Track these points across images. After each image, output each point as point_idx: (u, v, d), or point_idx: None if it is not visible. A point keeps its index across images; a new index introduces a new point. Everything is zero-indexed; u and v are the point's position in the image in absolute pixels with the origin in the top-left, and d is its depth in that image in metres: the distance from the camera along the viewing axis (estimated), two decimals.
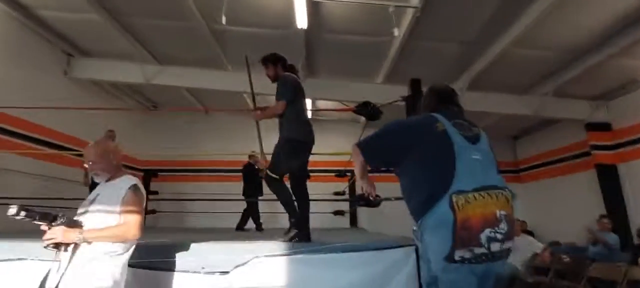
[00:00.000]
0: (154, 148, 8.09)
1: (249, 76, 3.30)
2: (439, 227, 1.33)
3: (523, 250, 4.83)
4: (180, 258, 2.30)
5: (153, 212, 7.56)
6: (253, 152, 6.09)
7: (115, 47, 5.55)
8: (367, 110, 2.77)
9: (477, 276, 1.33)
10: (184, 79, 6.21)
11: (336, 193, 7.36)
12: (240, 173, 6.25)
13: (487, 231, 1.28)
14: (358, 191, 1.67)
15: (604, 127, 6.43)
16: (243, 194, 6.03)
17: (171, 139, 8.19)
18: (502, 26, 4.64)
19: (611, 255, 5.30)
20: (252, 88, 3.25)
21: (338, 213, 7.74)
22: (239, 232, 5.72)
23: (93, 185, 4.89)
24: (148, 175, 7.59)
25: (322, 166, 7.63)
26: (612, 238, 5.50)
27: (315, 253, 2.30)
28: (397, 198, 1.89)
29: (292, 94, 2.82)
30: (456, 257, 1.29)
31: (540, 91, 6.26)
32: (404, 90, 6.65)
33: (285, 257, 2.30)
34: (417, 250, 2.37)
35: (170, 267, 2.27)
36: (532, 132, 8.56)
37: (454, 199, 1.30)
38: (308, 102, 7.17)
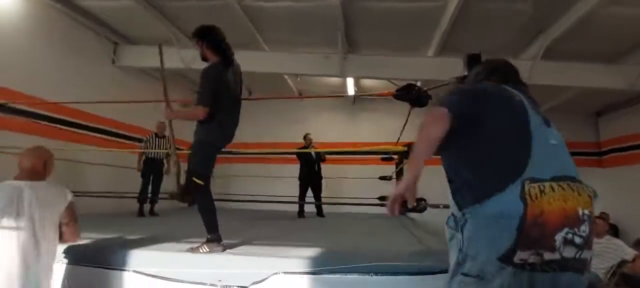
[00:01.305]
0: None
1: (161, 64, 2.80)
2: (498, 218, 1.04)
3: (608, 256, 4.03)
4: (197, 269, 2.12)
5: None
6: (307, 134, 6.02)
7: (154, 32, 5.55)
8: (411, 95, 2.26)
9: (534, 282, 1.02)
10: None
11: (382, 178, 6.89)
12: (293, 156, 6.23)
13: (564, 231, 1.01)
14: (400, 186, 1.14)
15: None
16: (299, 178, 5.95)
17: None
18: None
19: None
20: (163, 78, 2.78)
21: (382, 198, 7.29)
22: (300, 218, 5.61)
23: (149, 172, 5.27)
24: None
25: (366, 147, 7.22)
26: None
27: (341, 273, 1.96)
28: (446, 206, 1.40)
29: (210, 96, 2.36)
30: (516, 260, 1.01)
31: (637, 59, 5.01)
32: (461, 64, 5.89)
33: (307, 275, 2.00)
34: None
35: (184, 279, 2.10)
36: (620, 108, 7.10)
37: (528, 189, 1.03)
38: (350, 82, 6.69)
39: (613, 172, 7.40)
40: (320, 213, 5.97)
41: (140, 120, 6.25)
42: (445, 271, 1.93)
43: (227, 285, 2.06)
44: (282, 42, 5.88)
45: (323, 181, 6.15)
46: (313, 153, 5.95)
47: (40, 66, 4.68)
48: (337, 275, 1.96)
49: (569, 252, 1.02)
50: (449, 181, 1.25)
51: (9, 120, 4.20)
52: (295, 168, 6.06)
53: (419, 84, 7.04)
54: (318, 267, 2.00)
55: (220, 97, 2.41)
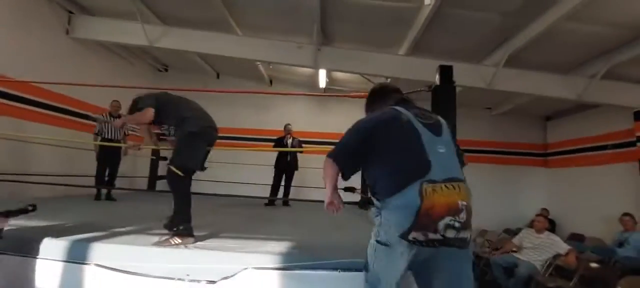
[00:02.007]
0: None
1: None
2: (402, 208, 1.42)
3: (545, 250, 4.48)
4: (164, 263, 2.07)
5: (162, 177, 7.53)
6: (288, 124, 5.96)
7: (116, 4, 5.17)
8: None
9: (421, 256, 1.43)
10: (191, 43, 5.77)
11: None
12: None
13: (447, 219, 1.39)
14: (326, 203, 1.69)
15: None
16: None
17: None
18: None
19: None
20: None
21: (348, 190, 7.47)
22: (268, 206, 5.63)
23: (105, 154, 4.95)
24: (156, 138, 7.42)
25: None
26: (636, 239, 5.06)
27: (310, 269, 2.02)
28: None
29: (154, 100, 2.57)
30: (410, 237, 1.41)
31: (586, 72, 5.49)
32: (430, 65, 6.07)
33: (277, 271, 2.03)
34: None
35: (150, 273, 2.05)
36: (567, 115, 7.78)
37: (424, 187, 1.40)
38: (322, 74, 6.69)
39: (556, 173, 8.15)
40: (286, 202, 6.01)
41: (96, 97, 5.79)
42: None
43: (195, 280, 2.04)
44: (255, 27, 5.72)
45: (297, 172, 6.22)
46: (289, 143, 5.93)
47: None
48: (306, 271, 2.01)
49: (450, 233, 1.40)
50: (371, 188, 1.61)
51: None
52: (264, 155, 6.07)
53: (389, 81, 7.26)
54: (288, 263, 2.03)
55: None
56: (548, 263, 4.42)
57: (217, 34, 5.70)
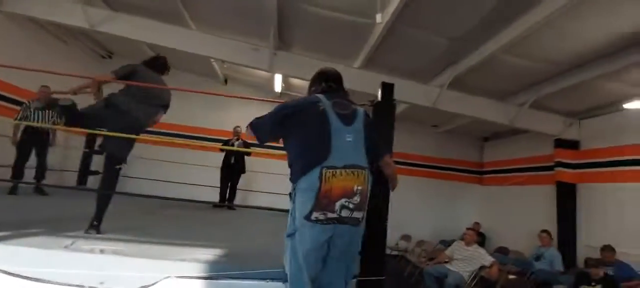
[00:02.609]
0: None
1: None
2: (306, 191, 1.61)
3: (472, 261, 4.83)
4: (75, 270, 1.90)
5: (96, 173, 6.92)
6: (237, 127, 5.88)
7: None
8: None
9: (325, 234, 1.62)
10: (138, 32, 5.40)
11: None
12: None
13: (342, 200, 1.60)
14: None
15: (572, 144, 6.40)
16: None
17: None
18: (494, 29, 4.28)
19: (553, 273, 5.46)
20: None
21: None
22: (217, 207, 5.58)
23: (24, 141, 4.42)
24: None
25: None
26: (551, 254, 5.66)
27: (237, 279, 1.97)
28: None
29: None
30: (312, 217, 1.59)
31: (517, 100, 6.08)
32: (382, 79, 6.29)
33: (202, 280, 1.95)
34: (358, 285, 2.12)
35: (59, 280, 1.86)
36: (502, 137, 8.54)
37: (324, 172, 1.59)
38: (278, 78, 6.66)
39: (490, 190, 8.88)
40: (230, 206, 5.88)
41: (21, 79, 5.22)
42: None
43: None
44: (211, 24, 5.54)
45: (244, 175, 6.13)
46: (236, 145, 5.85)
47: None
48: (233, 281, 1.96)
49: (345, 213, 1.62)
50: (289, 169, 1.76)
51: None
52: (216, 157, 5.91)
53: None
54: (214, 272, 1.97)
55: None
56: (474, 274, 4.77)
57: (169, 26, 5.43)
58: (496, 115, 6.28)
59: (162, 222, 3.67)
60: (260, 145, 1.94)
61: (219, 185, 6.01)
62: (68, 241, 2.13)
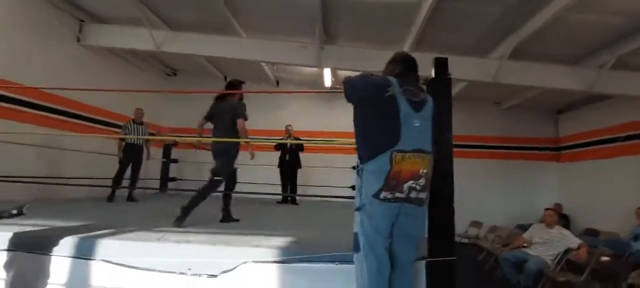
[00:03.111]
0: (174, 116, 8.08)
1: None
2: (376, 172, 1.71)
3: (556, 244, 4.39)
4: (167, 258, 2.14)
5: (173, 179, 7.71)
6: (288, 125, 6.16)
7: (124, 11, 5.31)
8: None
9: (392, 211, 1.73)
10: (196, 46, 5.89)
11: (355, 168, 7.06)
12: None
13: (410, 182, 1.71)
14: None
15: None
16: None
17: (190, 105, 8.09)
18: None
19: None
20: None
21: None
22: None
23: (129, 158, 5.15)
24: (167, 144, 7.62)
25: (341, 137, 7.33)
26: None
27: (308, 263, 2.05)
28: None
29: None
30: (381, 196, 1.71)
31: (594, 62, 5.36)
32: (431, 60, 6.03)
33: (275, 264, 2.07)
34: (427, 266, 2.07)
35: (154, 267, 2.12)
36: (578, 107, 7.59)
37: (394, 156, 1.69)
38: (327, 73, 6.72)
39: (569, 167, 7.96)
40: (293, 201, 6.10)
41: (114, 104, 6.15)
42: None
43: (196, 274, 2.10)
44: (259, 29, 5.80)
45: (301, 170, 6.33)
46: (289, 144, 6.08)
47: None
48: (304, 264, 2.05)
49: (412, 194, 1.73)
50: (356, 143, 1.87)
51: None
52: (273, 156, 6.20)
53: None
54: (286, 256, 2.08)
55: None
56: (559, 257, 4.33)
57: (222, 37, 5.81)
58: (570, 82, 5.60)
59: (235, 215, 3.92)
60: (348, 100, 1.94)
61: (279, 183, 6.28)
62: (159, 235, 2.41)
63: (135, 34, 5.66)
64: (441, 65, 2.27)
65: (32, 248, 2.19)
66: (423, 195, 1.78)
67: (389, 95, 1.77)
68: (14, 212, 1.71)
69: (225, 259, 2.09)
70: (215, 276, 2.08)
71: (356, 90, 1.90)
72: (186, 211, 2.97)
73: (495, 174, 8.23)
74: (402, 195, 1.71)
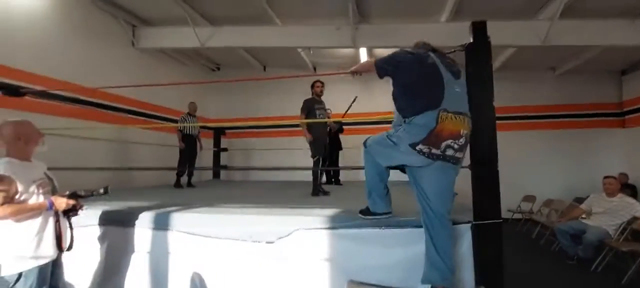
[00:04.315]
0: (221, 107, 8.58)
1: None
2: (421, 126, 1.87)
3: (618, 213, 4.13)
4: (231, 227, 2.41)
5: (225, 167, 8.28)
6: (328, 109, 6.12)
7: (170, 13, 5.71)
8: None
9: (421, 163, 1.90)
10: (237, 39, 6.16)
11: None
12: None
13: (449, 141, 1.85)
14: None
15: None
16: None
17: (232, 98, 8.55)
18: None
19: None
20: None
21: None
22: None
23: (187, 148, 5.68)
24: (217, 134, 8.15)
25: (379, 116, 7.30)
26: None
27: (356, 228, 2.20)
28: None
29: None
30: (417, 148, 1.88)
31: None
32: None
33: (325, 230, 2.24)
34: (473, 228, 2.11)
35: (220, 236, 2.40)
36: None
37: (441, 114, 1.85)
38: (363, 52, 6.70)
39: (635, 132, 7.22)
40: (337, 182, 6.27)
41: (166, 101, 6.82)
42: (454, 223, 2.16)
43: (256, 241, 2.35)
44: (294, 15, 5.92)
45: (342, 152, 6.48)
46: (328, 127, 6.19)
47: (66, 53, 4.93)
48: (352, 230, 2.20)
49: (449, 152, 1.87)
50: (396, 101, 2.06)
51: (52, 105, 4.59)
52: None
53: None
54: (335, 224, 2.25)
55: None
56: (622, 227, 4.06)
57: (260, 27, 6.03)
58: (634, 37, 5.06)
59: (284, 194, 4.22)
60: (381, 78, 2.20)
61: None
62: (221, 209, 2.70)
63: (181, 33, 6.07)
64: (479, 29, 2.24)
65: (119, 223, 2.58)
66: (460, 154, 1.91)
67: (432, 63, 1.96)
68: (101, 191, 2.04)
69: (281, 227, 2.31)
70: (272, 242, 2.31)
71: (393, 60, 2.07)
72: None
73: (550, 145, 7.72)
74: (438, 152, 1.85)
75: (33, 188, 1.87)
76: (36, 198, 1.87)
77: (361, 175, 2.45)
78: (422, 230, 2.01)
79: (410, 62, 2.00)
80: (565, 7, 4.66)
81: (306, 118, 4.30)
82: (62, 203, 1.89)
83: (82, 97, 5.11)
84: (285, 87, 8.00)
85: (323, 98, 4.63)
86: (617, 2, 4.75)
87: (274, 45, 6.11)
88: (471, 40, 2.28)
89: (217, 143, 8.06)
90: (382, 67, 2.13)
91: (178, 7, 5.39)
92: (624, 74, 7.52)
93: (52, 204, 1.88)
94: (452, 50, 2.42)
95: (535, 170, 7.45)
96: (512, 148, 6.26)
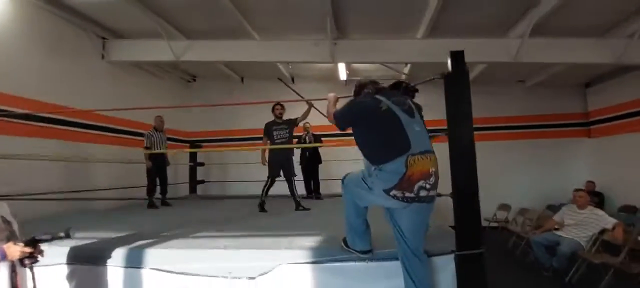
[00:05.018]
0: (196, 121, 8.35)
1: None
2: (392, 173, 1.87)
3: (589, 225, 4.29)
4: (209, 263, 2.29)
5: (201, 182, 8.02)
6: (306, 123, 6.12)
7: (142, 25, 5.49)
8: (401, 91, 2.36)
9: (397, 206, 1.94)
10: (213, 53, 6.04)
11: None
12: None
13: (421, 182, 1.86)
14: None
15: None
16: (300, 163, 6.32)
17: (211, 110, 8.33)
18: None
19: None
20: None
21: None
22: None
23: (155, 166, 5.34)
24: (193, 147, 7.91)
25: None
26: None
27: (340, 262, 2.14)
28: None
29: None
30: (390, 193, 1.90)
31: (623, 32, 5.10)
32: (449, 45, 5.89)
33: (309, 265, 2.17)
34: (456, 259, 2.11)
35: (198, 273, 2.28)
36: (609, 79, 7.22)
37: (409, 159, 1.85)
38: (341, 67, 6.73)
39: (600, 142, 7.64)
40: (317, 196, 6.24)
41: (138, 114, 6.33)
42: (434, 255, 2.15)
43: (236, 277, 2.24)
44: (271, 30, 5.85)
45: (322, 165, 6.46)
46: (307, 140, 6.19)
47: (31, 67, 4.64)
48: (336, 264, 2.14)
49: (422, 193, 1.88)
50: (362, 150, 2.06)
51: (8, 125, 4.25)
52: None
53: (406, 70, 7.15)
54: (318, 257, 2.18)
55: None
56: (593, 239, 4.23)
57: (236, 42, 5.92)
58: (598, 55, 5.37)
59: (263, 215, 4.08)
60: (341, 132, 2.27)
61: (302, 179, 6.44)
62: (198, 241, 2.57)
63: (155, 47, 5.86)
64: (458, 57, 2.26)
65: (88, 261, 2.39)
66: (433, 192, 1.94)
67: (385, 109, 1.97)
68: (62, 234, 1.88)
69: (262, 263, 2.22)
70: (253, 278, 2.21)
71: (349, 115, 2.11)
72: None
73: (523, 155, 8.04)
74: (412, 195, 1.86)
75: None
76: None
77: (338, 187, 2.46)
78: None
79: (366, 114, 2.02)
80: (535, 26, 4.87)
81: (266, 140, 4.80)
82: (15, 252, 1.71)
83: (46, 115, 4.79)
84: (263, 96, 7.86)
85: (293, 112, 4.96)
86: (582, 21, 5.01)
87: (251, 59, 6.03)
88: (449, 69, 2.29)
89: (193, 157, 7.82)
90: (341, 122, 2.16)
91: (150, 20, 5.19)
92: (588, 86, 7.96)
93: (4, 255, 1.70)
94: (431, 78, 2.43)
95: (509, 180, 7.71)
96: (486, 158, 6.37)
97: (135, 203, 5.50)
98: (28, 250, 1.75)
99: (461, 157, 2.16)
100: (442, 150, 2.14)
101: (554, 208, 6.88)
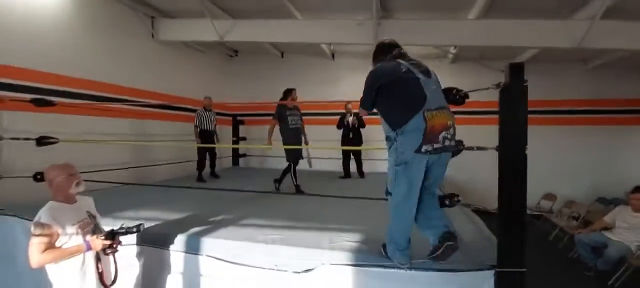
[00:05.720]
0: (239, 95, 8.59)
1: None
2: (415, 130, 1.96)
3: None
4: (257, 255, 2.51)
5: (244, 155, 8.46)
6: (348, 102, 6.18)
7: (188, 5, 5.63)
8: (450, 98, 2.30)
9: (431, 161, 2.03)
10: (255, 33, 6.07)
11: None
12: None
13: (444, 133, 1.99)
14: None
15: None
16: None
17: (254, 84, 8.50)
18: None
19: None
20: None
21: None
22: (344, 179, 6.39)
23: (204, 143, 5.81)
24: (235, 121, 8.23)
25: None
26: None
27: (379, 268, 2.25)
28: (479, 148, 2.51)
29: None
30: (422, 150, 1.97)
31: None
32: (505, 27, 5.47)
33: (349, 267, 2.31)
34: (496, 275, 2.13)
35: (248, 263, 2.51)
36: None
37: (426, 114, 1.97)
38: None
39: None
40: (360, 175, 6.47)
41: (187, 91, 6.93)
42: (473, 270, 2.18)
43: (282, 270, 2.44)
44: (314, 9, 5.75)
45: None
46: (350, 120, 6.18)
47: (86, 49, 4.93)
48: (376, 269, 2.25)
49: (447, 142, 2.01)
50: (383, 120, 2.16)
51: (79, 106, 4.69)
52: (328, 130, 6.56)
53: (454, 49, 6.71)
54: (359, 261, 2.30)
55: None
56: None
57: (278, 21, 5.89)
58: None
59: (309, 203, 4.12)
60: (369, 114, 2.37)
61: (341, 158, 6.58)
62: (248, 232, 2.80)
63: (200, 26, 6.00)
64: (516, 70, 2.14)
65: (154, 244, 2.72)
66: (453, 142, 2.08)
67: (405, 70, 2.10)
68: (134, 229, 2.15)
69: (305, 260, 2.39)
70: (298, 273, 2.40)
71: (374, 86, 2.14)
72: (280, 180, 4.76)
73: (578, 142, 7.45)
74: (440, 145, 1.98)
75: (74, 230, 1.98)
76: (77, 240, 1.98)
77: (382, 166, 2.53)
78: (449, 273, 2.08)
79: (388, 77, 2.10)
80: (606, 9, 4.35)
81: (279, 124, 4.84)
82: (98, 244, 2.00)
83: (106, 94, 5.21)
84: (302, 73, 7.93)
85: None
86: None
87: (294, 40, 6.03)
88: (506, 80, 2.18)
89: (235, 132, 8.17)
90: (366, 103, 2.24)
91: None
92: None
93: (89, 246, 1.99)
94: (486, 88, 2.34)
95: (559, 167, 7.28)
96: (536, 142, 6.01)
97: (188, 175, 6.07)
98: (108, 242, 2.03)
99: (512, 175, 2.11)
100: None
101: (604, 202, 6.48)
